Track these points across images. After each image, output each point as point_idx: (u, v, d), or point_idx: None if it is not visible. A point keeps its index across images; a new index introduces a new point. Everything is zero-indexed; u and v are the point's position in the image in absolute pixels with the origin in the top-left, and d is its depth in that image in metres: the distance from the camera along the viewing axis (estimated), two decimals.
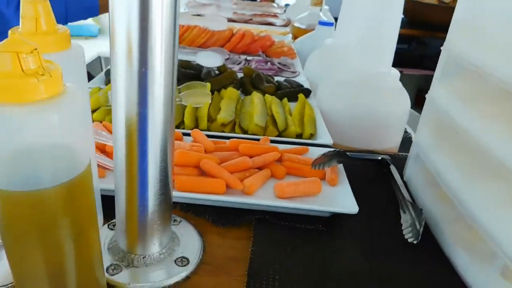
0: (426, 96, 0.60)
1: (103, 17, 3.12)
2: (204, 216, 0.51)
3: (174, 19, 0.34)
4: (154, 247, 0.43)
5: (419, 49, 2.68)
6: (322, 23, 1.31)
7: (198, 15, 1.51)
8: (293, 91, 0.85)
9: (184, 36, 1.13)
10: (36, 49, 0.26)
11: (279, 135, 0.69)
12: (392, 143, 0.84)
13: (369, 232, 0.52)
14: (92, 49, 2.72)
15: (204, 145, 0.57)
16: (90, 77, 3.00)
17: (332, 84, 0.85)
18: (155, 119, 0.37)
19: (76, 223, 0.31)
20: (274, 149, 0.59)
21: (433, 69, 0.76)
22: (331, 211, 0.50)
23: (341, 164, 0.60)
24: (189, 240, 0.47)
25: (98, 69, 2.91)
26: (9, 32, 0.37)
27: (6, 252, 0.32)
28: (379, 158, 0.67)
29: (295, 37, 1.46)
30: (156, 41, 0.34)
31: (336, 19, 1.67)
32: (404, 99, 0.82)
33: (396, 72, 0.81)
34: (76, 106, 0.28)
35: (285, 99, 0.81)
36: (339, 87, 0.83)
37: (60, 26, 0.37)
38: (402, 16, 0.78)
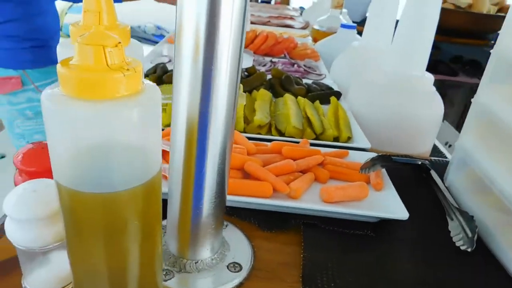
0: (472, 100, 0.58)
1: None
2: (250, 220, 0.50)
3: (244, 15, 0.33)
4: (206, 252, 0.41)
5: (433, 53, 2.66)
6: (344, 26, 1.30)
7: None
8: (324, 94, 0.83)
9: None
10: (120, 42, 0.24)
11: (316, 138, 0.68)
12: (424, 148, 0.83)
13: (417, 238, 0.51)
14: None
15: (246, 147, 0.56)
16: None
17: (364, 87, 0.83)
18: (217, 119, 0.35)
19: (144, 227, 0.30)
20: (316, 152, 0.58)
21: (448, 74, 0.75)
22: (383, 217, 0.49)
23: (384, 169, 0.58)
24: (238, 245, 0.45)
25: None
26: (70, 27, 0.35)
27: (68, 252, 0.31)
28: (419, 162, 0.66)
29: (314, 40, 1.45)
30: (225, 39, 0.33)
31: (355, 22, 1.66)
32: (438, 103, 0.80)
33: (430, 76, 0.79)
34: (153, 105, 0.27)
35: (317, 102, 0.80)
36: (371, 90, 0.82)
37: (120, 21, 0.36)
38: None
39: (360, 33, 1.33)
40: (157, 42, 3.18)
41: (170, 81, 0.82)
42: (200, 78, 0.34)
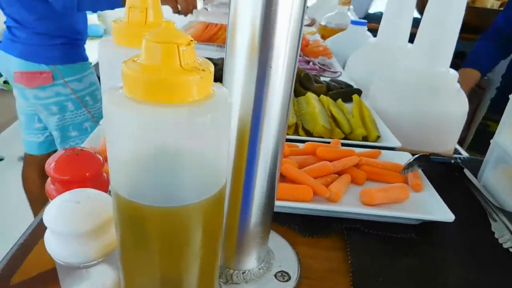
0: (510, 96, 0.57)
1: (108, 18, 3.09)
2: (289, 225, 0.47)
3: (303, 12, 0.31)
4: (253, 262, 0.39)
5: None
6: (355, 23, 1.28)
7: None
8: (345, 92, 0.81)
9: (219, 35, 1.09)
10: (192, 40, 0.22)
11: (344, 138, 0.66)
12: (448, 146, 0.81)
13: (461, 240, 0.49)
14: (97, 49, 2.68)
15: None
16: (99, 79, 2.96)
17: (388, 84, 0.81)
18: (271, 120, 0.33)
19: (206, 239, 0.28)
20: (351, 153, 0.55)
21: (453, 68, 0.74)
22: (430, 219, 0.47)
23: (421, 169, 0.56)
24: (283, 252, 0.43)
25: None
26: (112, 24, 0.33)
27: (122, 264, 0.29)
28: (452, 161, 0.64)
29: (323, 37, 1.43)
30: (282, 38, 0.31)
31: (362, 18, 1.64)
32: (462, 100, 0.79)
33: (454, 72, 0.78)
34: (225, 110, 0.24)
35: (340, 100, 0.77)
36: (396, 88, 0.80)
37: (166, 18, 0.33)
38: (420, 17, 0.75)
39: (369, 29, 1.31)
40: None
41: None
42: (255, 79, 0.31)
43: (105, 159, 0.39)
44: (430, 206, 0.49)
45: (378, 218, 0.48)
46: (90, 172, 0.38)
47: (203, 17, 1.24)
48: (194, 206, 0.25)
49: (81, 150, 0.39)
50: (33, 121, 1.17)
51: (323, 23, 1.48)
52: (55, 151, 1.20)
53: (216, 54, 0.94)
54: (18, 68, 1.07)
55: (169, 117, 0.22)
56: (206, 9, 1.62)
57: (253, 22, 0.30)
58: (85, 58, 1.20)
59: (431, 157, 0.58)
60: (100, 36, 2.97)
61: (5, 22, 1.11)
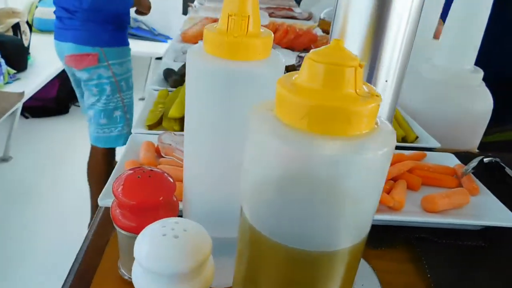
0: None
1: None
2: None
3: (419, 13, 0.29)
4: None
5: None
6: None
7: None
8: None
9: None
10: (362, 62, 0.19)
11: None
12: (473, 143, 0.81)
13: None
14: None
15: None
16: None
17: (413, 81, 0.80)
18: None
19: (343, 285, 0.25)
20: (402, 157, 0.54)
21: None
22: (502, 225, 0.46)
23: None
24: (360, 268, 0.41)
25: None
26: (204, 30, 0.30)
27: None
28: (493, 160, 0.63)
29: (324, 31, 1.41)
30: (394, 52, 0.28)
31: None
32: (487, 97, 0.79)
33: (478, 70, 0.77)
34: (391, 149, 0.21)
35: None
36: (419, 85, 0.79)
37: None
38: None
39: None
40: (137, 36, 3.04)
41: None
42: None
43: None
44: (492, 211, 0.48)
45: (442, 226, 0.47)
46: (164, 196, 0.34)
47: (210, 13, 1.20)
48: (344, 251, 0.22)
49: (151, 171, 0.35)
50: (99, 117, 1.29)
51: (324, 17, 1.46)
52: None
53: None
54: (68, 52, 1.21)
55: (335, 150, 0.19)
56: (202, 4, 1.56)
57: (365, 34, 0.28)
58: (128, 43, 1.30)
59: (484, 159, 0.57)
60: None
61: (55, 12, 1.23)
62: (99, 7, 1.16)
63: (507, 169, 0.62)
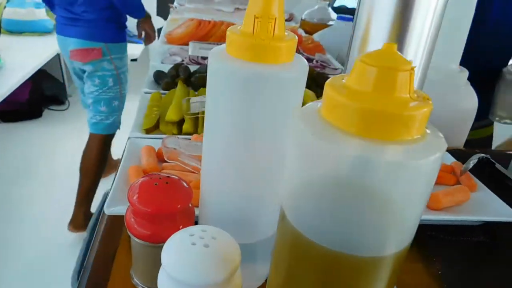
0: None
1: None
2: None
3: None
4: None
5: None
6: (341, 18, 1.28)
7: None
8: None
9: (212, 32, 1.04)
10: (414, 67, 0.19)
11: None
12: (460, 141, 0.84)
13: None
14: (49, 46, 2.48)
15: None
16: (49, 78, 2.73)
17: None
18: None
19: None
20: None
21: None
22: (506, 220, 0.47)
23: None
24: None
25: (57, 68, 2.67)
26: (227, 32, 0.29)
27: None
28: (483, 157, 0.66)
29: (306, 32, 1.42)
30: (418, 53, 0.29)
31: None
32: (473, 96, 0.81)
33: (463, 69, 0.80)
34: (441, 156, 0.20)
35: None
36: None
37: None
38: None
39: None
40: None
41: (201, 83, 0.75)
42: None
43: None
44: (492, 206, 0.50)
45: (446, 222, 0.48)
46: (181, 203, 0.33)
47: (194, 14, 1.18)
48: (389, 257, 0.22)
49: (168, 177, 0.34)
50: (99, 105, 1.41)
51: (305, 18, 1.47)
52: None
53: None
54: (74, 47, 1.32)
55: (391, 155, 0.19)
56: (182, 5, 1.55)
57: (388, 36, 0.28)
58: (126, 40, 1.43)
59: (480, 156, 0.59)
60: (49, 32, 2.74)
61: (55, 11, 1.34)
62: (114, 8, 1.29)
63: (497, 165, 0.64)
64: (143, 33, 1.45)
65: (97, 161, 1.46)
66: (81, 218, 1.48)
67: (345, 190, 0.20)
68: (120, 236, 0.43)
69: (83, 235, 0.82)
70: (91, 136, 1.47)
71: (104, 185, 1.81)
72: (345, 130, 0.19)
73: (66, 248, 1.45)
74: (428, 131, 0.20)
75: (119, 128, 1.49)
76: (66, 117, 2.47)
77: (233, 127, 0.30)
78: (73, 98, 2.64)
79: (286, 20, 1.62)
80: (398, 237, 0.22)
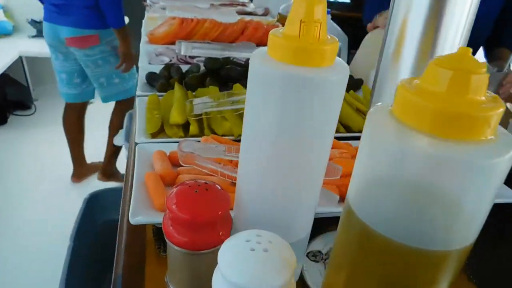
0: None
1: (17, 12, 2.73)
2: None
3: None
4: None
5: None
6: None
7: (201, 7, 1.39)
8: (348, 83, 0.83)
9: (196, 30, 1.03)
10: (486, 70, 0.20)
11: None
12: None
13: None
14: (10, 48, 2.37)
15: (349, 151, 0.53)
16: (12, 82, 2.61)
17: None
18: None
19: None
20: None
21: None
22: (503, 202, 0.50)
23: None
24: None
25: (20, 72, 2.55)
26: (269, 35, 0.29)
27: None
28: None
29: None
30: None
31: None
32: None
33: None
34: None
35: (352, 92, 0.79)
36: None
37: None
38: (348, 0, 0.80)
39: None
40: None
41: (195, 83, 0.74)
42: None
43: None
44: None
45: None
46: (222, 210, 0.33)
47: (176, 12, 1.16)
48: (456, 252, 0.23)
49: (206, 184, 0.34)
50: (72, 77, 1.62)
51: (283, 13, 1.47)
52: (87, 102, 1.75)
53: (219, 53, 0.88)
54: (70, 35, 1.45)
55: (468, 155, 0.20)
56: (155, 3, 1.51)
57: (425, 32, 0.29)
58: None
59: None
60: (9, 34, 2.61)
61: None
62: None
63: None
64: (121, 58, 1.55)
65: (123, 118, 1.57)
66: (110, 168, 1.80)
67: (417, 188, 0.21)
68: (143, 244, 0.43)
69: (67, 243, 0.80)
70: (117, 104, 1.72)
71: (79, 190, 1.75)
72: (419, 129, 0.20)
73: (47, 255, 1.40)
74: (499, 131, 0.22)
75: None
76: (33, 122, 2.36)
77: (278, 131, 0.30)
78: (39, 102, 2.53)
79: (262, 15, 1.62)
80: (464, 234, 0.23)
